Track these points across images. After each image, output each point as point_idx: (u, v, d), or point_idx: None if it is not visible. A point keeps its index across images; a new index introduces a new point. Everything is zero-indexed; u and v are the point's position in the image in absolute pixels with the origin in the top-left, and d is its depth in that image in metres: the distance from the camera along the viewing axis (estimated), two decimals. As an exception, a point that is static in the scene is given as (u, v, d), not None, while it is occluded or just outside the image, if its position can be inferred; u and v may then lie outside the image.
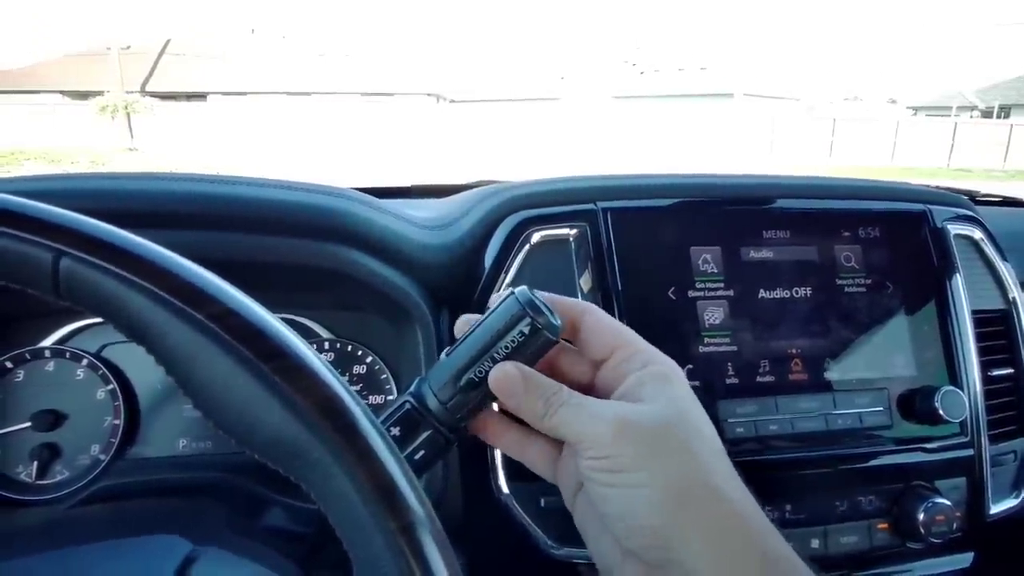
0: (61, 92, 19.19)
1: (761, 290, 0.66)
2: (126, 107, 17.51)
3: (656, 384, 0.39)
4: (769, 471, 0.63)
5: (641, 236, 0.65)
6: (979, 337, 0.70)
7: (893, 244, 0.69)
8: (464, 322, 0.43)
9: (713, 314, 0.64)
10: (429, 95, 22.32)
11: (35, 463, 0.70)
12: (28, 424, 0.70)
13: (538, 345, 0.40)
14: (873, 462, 0.64)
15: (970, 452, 0.67)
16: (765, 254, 0.67)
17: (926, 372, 0.67)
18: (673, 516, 0.35)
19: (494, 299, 0.42)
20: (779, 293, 0.66)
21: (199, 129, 17.46)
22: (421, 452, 0.41)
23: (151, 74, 21.29)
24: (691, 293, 0.64)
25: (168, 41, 23.05)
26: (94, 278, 0.28)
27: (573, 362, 0.43)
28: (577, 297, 0.63)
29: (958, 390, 0.65)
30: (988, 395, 0.69)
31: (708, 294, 0.65)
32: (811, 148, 18.35)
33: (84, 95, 18.79)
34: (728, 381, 0.63)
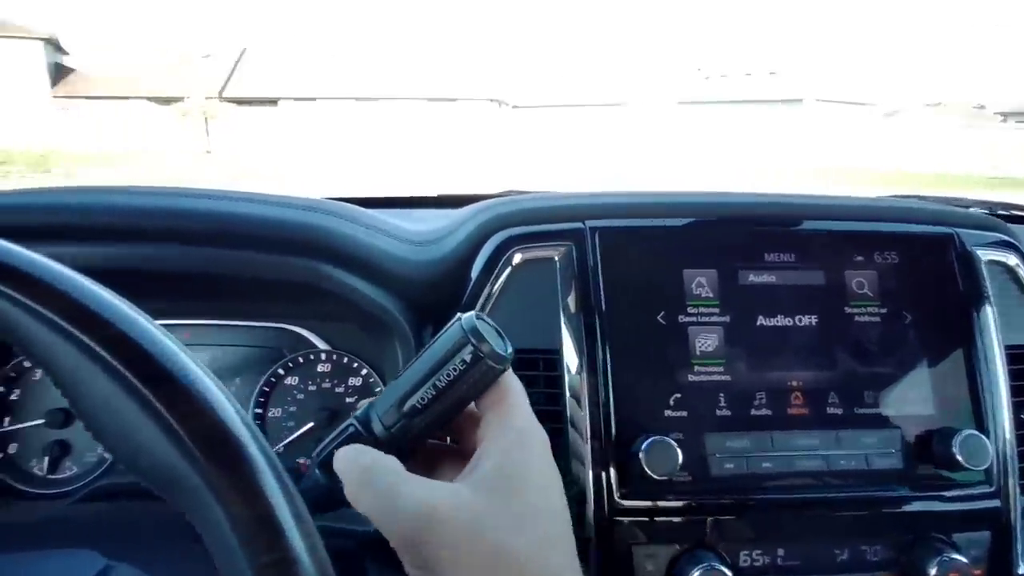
0: (148, 98, 20.36)
1: (760, 316, 0.62)
2: (204, 112, 18.43)
3: (491, 456, 0.35)
4: (761, 512, 0.58)
5: (630, 257, 0.62)
6: (1012, 375, 0.63)
7: (913, 270, 0.64)
8: None
9: (706, 341, 0.61)
10: (491, 100, 22.49)
11: (47, 458, 0.73)
12: (42, 421, 0.73)
13: (481, 374, 0.38)
14: (880, 509, 0.59)
15: (995, 503, 0.60)
16: (766, 278, 0.62)
17: (946, 412, 0.61)
18: None
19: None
20: (780, 320, 0.62)
21: (270, 133, 18.19)
22: None
23: (228, 81, 22.35)
24: (682, 318, 0.61)
25: (244, 50, 24.14)
26: None
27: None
28: (560, 321, 0.60)
29: (981, 434, 0.58)
30: (1020, 440, 0.62)
31: (701, 320, 0.61)
32: (887, 156, 17.47)
33: (167, 101, 19.90)
34: (719, 413, 0.59)
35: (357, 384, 0.76)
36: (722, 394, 0.60)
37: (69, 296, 0.28)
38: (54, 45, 21.48)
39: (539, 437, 0.38)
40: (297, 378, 0.75)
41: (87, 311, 0.28)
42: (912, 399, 0.61)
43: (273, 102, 21.52)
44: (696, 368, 0.60)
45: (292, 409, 0.75)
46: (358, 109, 20.95)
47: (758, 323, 0.61)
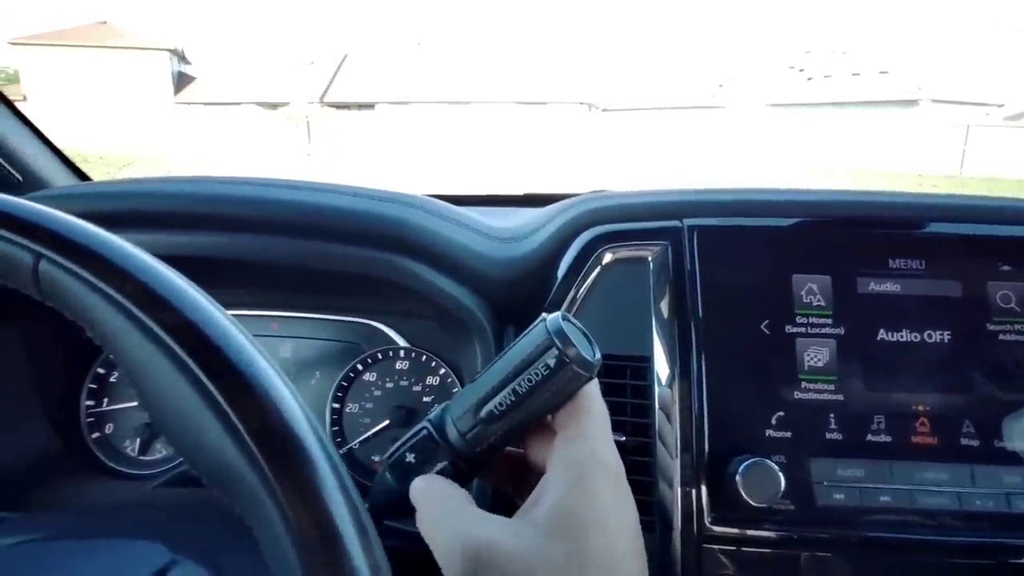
0: (257, 103, 21.69)
1: (881, 330, 0.55)
2: (306, 117, 19.43)
3: (555, 490, 0.32)
4: (873, 551, 0.52)
5: (732, 259, 0.56)
6: None
7: (1073, 284, 0.55)
8: None
9: (816, 355, 0.54)
10: (581, 103, 22.37)
11: (139, 439, 0.76)
12: (136, 403, 0.76)
13: (566, 380, 0.35)
14: (1021, 559, 0.51)
15: None
16: (889, 287, 0.55)
17: (1110, 451, 0.52)
18: None
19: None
20: (905, 335, 0.54)
21: (367, 136, 18.92)
22: None
23: (329, 86, 23.44)
24: (789, 328, 0.55)
25: (345, 56, 25.24)
26: (65, 281, 0.28)
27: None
28: (652, 326, 0.56)
29: None
30: None
31: (811, 331, 0.55)
32: (1014, 162, 15.93)
33: (274, 106, 21.12)
34: (829, 436, 0.53)
35: (434, 383, 0.74)
36: (833, 415, 0.54)
37: (137, 279, 0.27)
38: (179, 55, 23.31)
39: (612, 469, 0.33)
40: (375, 374, 0.75)
41: (154, 296, 0.27)
42: (1067, 434, 0.52)
43: (370, 106, 22.37)
44: (803, 384, 0.54)
45: (369, 406, 0.74)
46: (450, 112, 21.41)
47: (878, 337, 0.54)
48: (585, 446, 0.33)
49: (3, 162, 0.78)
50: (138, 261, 0.28)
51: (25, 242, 0.28)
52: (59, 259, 0.28)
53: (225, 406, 0.25)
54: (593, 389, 0.36)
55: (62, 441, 0.73)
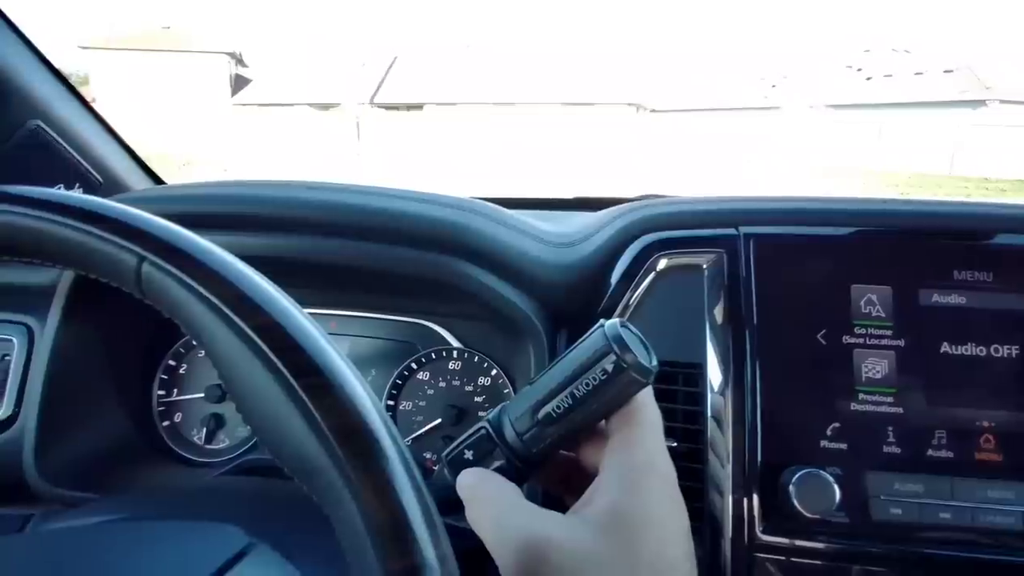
0: (309, 104, 22.26)
1: (945, 343, 0.53)
2: (356, 118, 19.83)
3: (608, 491, 0.32)
4: (931, 569, 0.50)
5: (789, 268, 0.56)
6: None
7: None
8: None
9: (874, 366, 0.54)
10: (630, 104, 22.16)
11: (205, 429, 0.80)
12: (202, 395, 0.80)
13: (622, 386, 0.36)
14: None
15: None
16: (955, 299, 0.54)
17: None
18: None
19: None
20: (971, 349, 0.53)
21: (415, 137, 19.18)
22: None
23: (379, 87, 23.88)
24: (847, 339, 0.54)
25: (396, 58, 25.66)
26: (165, 282, 0.30)
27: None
28: (706, 333, 0.56)
29: None
30: None
31: (870, 342, 0.54)
32: (1090, 166, 15.02)
33: (326, 107, 21.65)
34: (886, 449, 0.52)
35: (486, 384, 0.76)
36: (891, 428, 0.53)
37: (230, 283, 0.30)
38: (236, 59, 24.14)
39: (665, 474, 0.34)
40: (428, 373, 0.77)
41: (245, 298, 0.30)
42: None
43: (419, 107, 22.68)
44: (861, 396, 0.53)
45: (422, 404, 0.76)
46: (498, 113, 21.51)
47: (941, 350, 0.53)
48: (639, 451, 0.34)
49: (86, 164, 0.83)
50: (230, 265, 0.31)
51: (130, 245, 0.30)
52: (160, 262, 0.30)
53: (309, 404, 0.27)
54: (646, 396, 0.36)
55: (136, 429, 0.77)
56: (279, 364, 0.28)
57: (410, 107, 22.69)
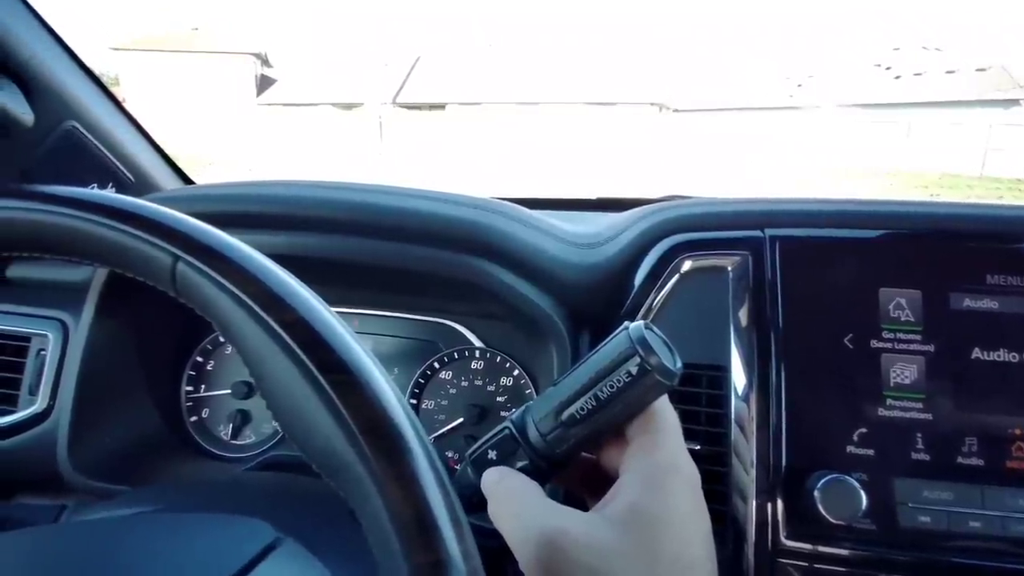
0: (332, 104, 22.49)
1: (976, 349, 0.52)
2: (379, 118, 19.99)
3: (630, 491, 0.32)
4: (961, 579, 0.50)
5: (816, 271, 0.55)
6: None
7: None
8: None
9: (903, 371, 0.53)
10: (652, 104, 22.01)
11: (231, 425, 0.81)
12: (229, 391, 0.81)
13: (647, 388, 0.36)
14: None
15: None
16: (987, 304, 0.53)
17: None
18: None
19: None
20: (1004, 355, 0.52)
21: (437, 136, 19.27)
22: None
23: (402, 87, 24.03)
24: (875, 343, 0.53)
25: (418, 58, 25.80)
26: (199, 281, 0.31)
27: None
28: (730, 336, 0.56)
29: None
30: None
31: (898, 346, 0.53)
32: None
33: (349, 107, 21.85)
34: (915, 456, 0.51)
35: (508, 384, 0.76)
36: (919, 434, 0.52)
37: (262, 282, 0.30)
38: (262, 60, 24.47)
39: (688, 475, 0.34)
40: (451, 373, 0.77)
41: (276, 297, 0.30)
42: None
43: (441, 107, 22.78)
44: (888, 401, 0.52)
45: (444, 403, 0.77)
46: (520, 113, 21.51)
47: (973, 356, 0.52)
48: (661, 453, 0.34)
49: (119, 163, 0.85)
50: (262, 265, 0.31)
51: (166, 245, 0.31)
52: (194, 261, 0.31)
53: (336, 400, 0.28)
54: (663, 401, 0.36)
55: (165, 423, 0.79)
56: (308, 361, 0.29)
57: (432, 107, 22.80)
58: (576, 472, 0.40)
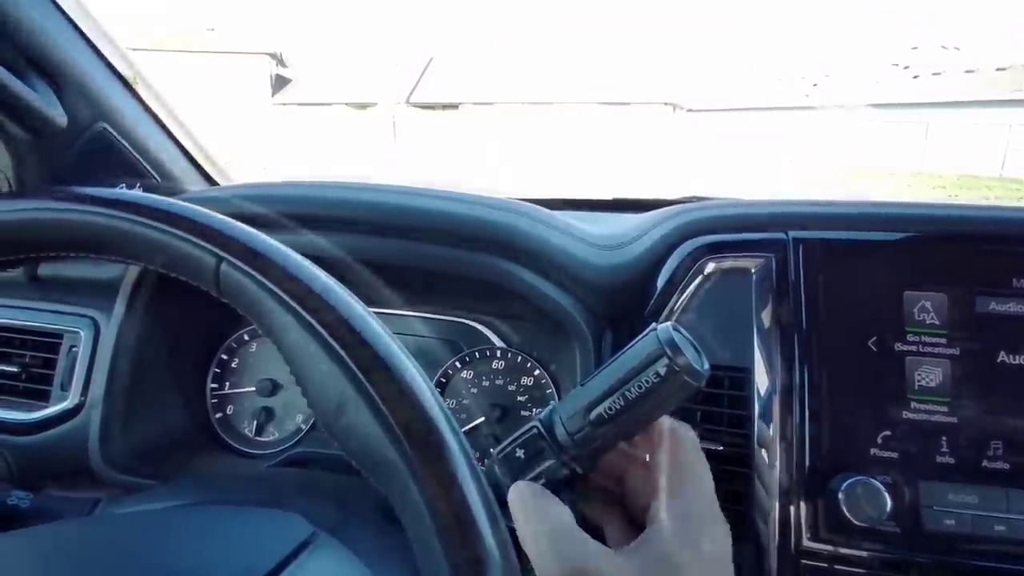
0: (346, 104, 22.61)
1: (1003, 352, 0.52)
2: (392, 117, 20.07)
3: (661, 542, 0.33)
4: (986, 582, 0.50)
5: (840, 273, 0.56)
6: None
7: None
8: None
9: (928, 374, 0.53)
10: (666, 104, 21.91)
11: (255, 422, 0.83)
12: (253, 389, 0.83)
13: (674, 389, 0.36)
14: None
15: None
16: (1015, 307, 0.53)
17: None
18: None
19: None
20: (1030, 359, 0.52)
21: (450, 136, 19.31)
22: (542, 481, 0.40)
23: (415, 87, 24.10)
24: (899, 346, 0.54)
25: (431, 59, 25.86)
26: (242, 282, 0.32)
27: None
28: (754, 338, 0.56)
29: None
30: None
31: (923, 349, 0.53)
32: None
33: (363, 106, 21.95)
34: (939, 459, 0.51)
35: (529, 384, 0.76)
36: (944, 437, 0.52)
37: (303, 282, 0.31)
38: (277, 59, 24.63)
39: (719, 532, 0.35)
40: (472, 372, 0.78)
41: (316, 297, 0.31)
42: None
43: (454, 106, 22.82)
44: (913, 404, 0.53)
45: (465, 402, 0.77)
46: (533, 112, 21.50)
47: (999, 359, 0.52)
48: (697, 504, 0.35)
49: (146, 164, 0.87)
50: (303, 266, 0.32)
51: (210, 247, 0.32)
52: (238, 263, 0.32)
53: (376, 397, 0.29)
54: (698, 452, 0.37)
55: (192, 419, 0.80)
56: (347, 359, 0.30)
57: (446, 107, 22.84)
58: (597, 500, 0.41)
